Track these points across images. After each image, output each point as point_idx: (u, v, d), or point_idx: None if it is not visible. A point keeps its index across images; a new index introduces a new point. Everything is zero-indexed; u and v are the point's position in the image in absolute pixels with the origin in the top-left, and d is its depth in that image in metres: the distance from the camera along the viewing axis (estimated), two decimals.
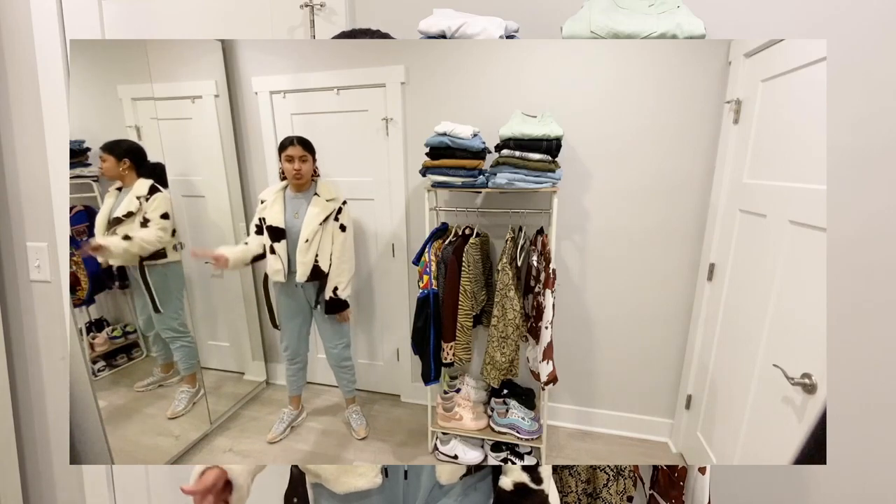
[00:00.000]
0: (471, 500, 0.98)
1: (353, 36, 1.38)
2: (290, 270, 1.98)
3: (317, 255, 1.94)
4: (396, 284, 2.42)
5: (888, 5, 1.25)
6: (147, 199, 1.90)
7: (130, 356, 2.17)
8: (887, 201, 1.30)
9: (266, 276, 2.05)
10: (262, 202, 1.99)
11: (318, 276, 1.97)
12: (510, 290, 1.78)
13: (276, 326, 2.17)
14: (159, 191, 1.94)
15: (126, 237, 1.83)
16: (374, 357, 2.59)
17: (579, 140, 1.96)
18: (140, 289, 1.98)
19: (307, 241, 1.91)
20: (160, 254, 1.96)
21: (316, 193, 1.97)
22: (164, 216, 1.94)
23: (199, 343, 2.28)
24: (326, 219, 1.94)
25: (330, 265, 1.97)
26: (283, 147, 1.91)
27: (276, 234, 1.93)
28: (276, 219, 1.94)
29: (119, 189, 1.92)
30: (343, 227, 1.98)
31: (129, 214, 1.87)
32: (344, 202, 2.01)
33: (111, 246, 1.78)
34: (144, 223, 1.89)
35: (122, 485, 1.83)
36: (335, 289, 1.99)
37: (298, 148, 1.90)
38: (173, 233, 2.00)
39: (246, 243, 2.00)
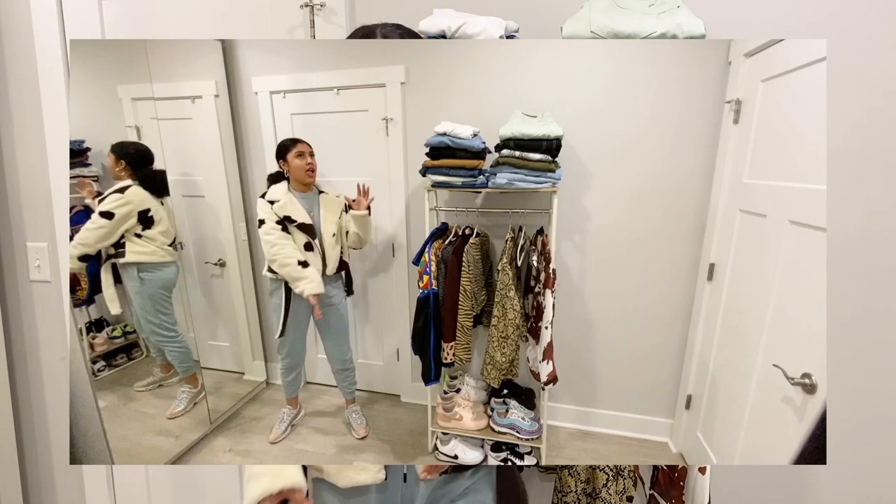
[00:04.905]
0: (470, 502, 0.98)
1: (376, 29, 1.31)
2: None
3: (341, 248, 2.03)
4: (396, 284, 2.42)
5: (888, 5, 1.25)
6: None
7: (130, 356, 2.17)
8: (887, 201, 1.30)
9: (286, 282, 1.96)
10: (272, 202, 1.89)
11: (343, 267, 2.07)
12: (510, 290, 1.78)
13: (283, 335, 2.04)
14: (122, 191, 1.85)
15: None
16: (374, 357, 2.59)
17: (579, 140, 1.95)
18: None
19: (333, 234, 1.98)
20: (120, 253, 1.89)
21: (322, 192, 2.02)
22: (105, 214, 1.80)
23: (199, 343, 2.28)
24: (340, 214, 2.01)
25: (349, 256, 2.13)
26: (288, 147, 1.92)
27: (310, 230, 1.93)
28: (302, 216, 1.91)
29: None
30: (348, 208, 2.06)
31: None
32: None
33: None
34: None
35: (122, 485, 1.82)
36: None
37: (306, 144, 1.94)
38: (137, 234, 1.92)
39: (306, 262, 1.90)
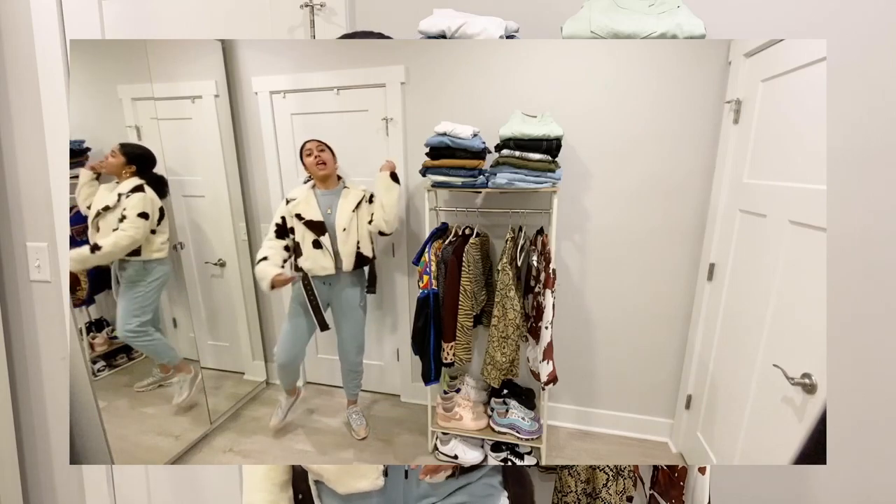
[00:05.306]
0: (474, 499, 0.98)
1: (356, 37, 1.38)
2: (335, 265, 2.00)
3: (358, 242, 1.99)
4: (396, 284, 2.42)
5: (888, 5, 1.25)
6: (127, 196, 1.89)
7: (130, 356, 2.16)
8: (887, 201, 1.30)
9: (306, 279, 1.98)
10: (288, 201, 1.98)
11: (362, 262, 2.02)
12: (510, 290, 1.78)
13: (327, 327, 2.06)
14: (143, 190, 1.92)
15: (95, 247, 1.80)
16: (374, 357, 2.59)
17: (579, 140, 1.95)
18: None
19: (345, 229, 1.96)
20: (135, 251, 1.95)
21: (345, 187, 2.04)
22: (142, 215, 1.90)
23: (200, 343, 2.28)
24: (358, 204, 2.00)
25: (373, 251, 2.07)
26: (301, 150, 1.99)
27: (319, 227, 1.94)
28: (313, 213, 1.94)
29: (97, 178, 1.93)
30: (371, 199, 2.04)
31: (106, 208, 1.87)
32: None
33: (75, 257, 1.76)
34: (122, 220, 1.88)
35: (122, 485, 1.82)
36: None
37: (315, 142, 1.98)
38: (152, 231, 1.98)
39: (265, 258, 1.93)
